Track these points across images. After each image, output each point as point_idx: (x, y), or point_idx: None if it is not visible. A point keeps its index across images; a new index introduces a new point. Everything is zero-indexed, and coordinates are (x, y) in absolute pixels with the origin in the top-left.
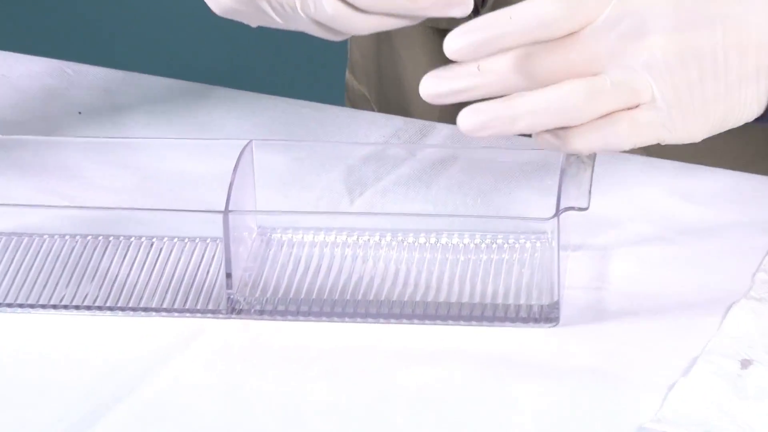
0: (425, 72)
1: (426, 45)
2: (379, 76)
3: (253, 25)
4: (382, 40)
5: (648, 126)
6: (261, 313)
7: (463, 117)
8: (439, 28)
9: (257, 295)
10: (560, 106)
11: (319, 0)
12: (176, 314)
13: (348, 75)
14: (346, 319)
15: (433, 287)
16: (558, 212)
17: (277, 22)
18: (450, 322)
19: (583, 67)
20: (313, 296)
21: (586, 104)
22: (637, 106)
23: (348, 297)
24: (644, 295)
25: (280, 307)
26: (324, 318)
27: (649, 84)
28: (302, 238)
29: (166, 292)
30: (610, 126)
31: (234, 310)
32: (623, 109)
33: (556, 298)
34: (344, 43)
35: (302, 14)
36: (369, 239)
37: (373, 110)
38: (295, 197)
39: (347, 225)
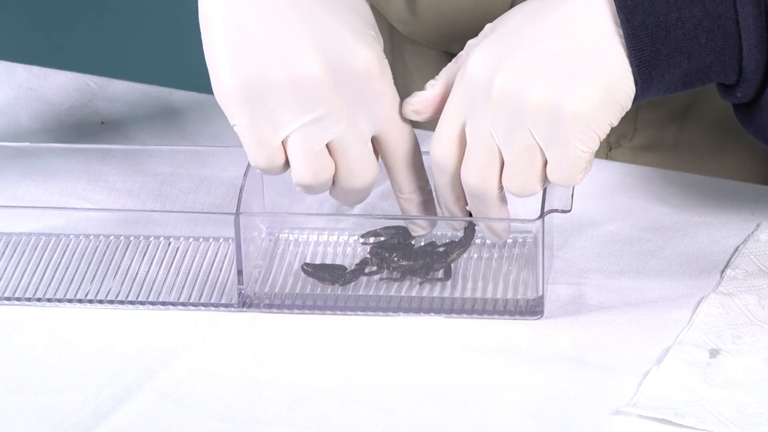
0: None
1: (437, 65)
2: None
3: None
4: (396, 59)
5: None
6: (270, 307)
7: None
8: (450, 52)
9: (266, 290)
10: None
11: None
12: (192, 308)
13: None
14: (348, 312)
15: (427, 282)
16: (543, 214)
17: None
18: (443, 314)
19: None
20: (318, 291)
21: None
22: None
23: (350, 292)
24: (622, 291)
25: (287, 301)
26: (328, 311)
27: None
28: (307, 237)
29: (183, 288)
30: None
31: (245, 303)
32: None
33: (540, 293)
34: None
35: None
36: (369, 239)
37: None
38: (300, 200)
39: (349, 226)
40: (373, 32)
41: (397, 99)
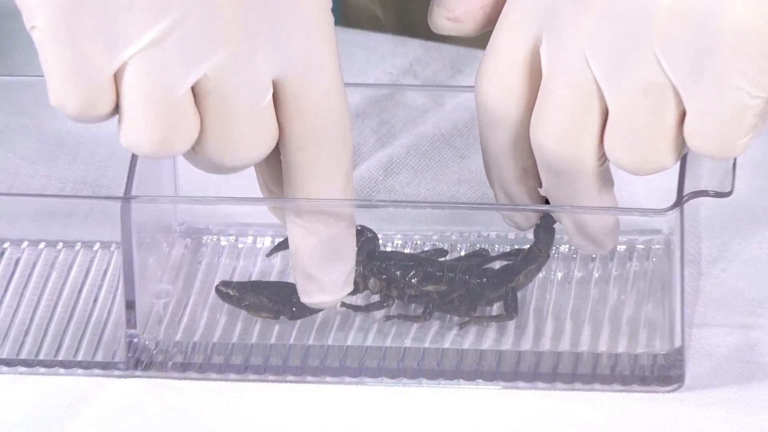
0: None
1: None
2: None
3: None
4: None
5: None
6: (183, 368)
7: None
8: None
9: (177, 337)
10: None
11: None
12: (42, 371)
13: None
14: (327, 378)
15: (472, 325)
16: (681, 200)
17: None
18: (501, 383)
19: None
20: (272, 339)
21: None
22: None
23: (329, 341)
24: None
25: (216, 358)
26: (290, 376)
27: None
28: (251, 241)
29: (25, 336)
30: None
31: (139, 362)
32: None
33: (678, 344)
34: None
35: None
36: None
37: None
38: (238, 176)
39: None
40: None
41: (332, 29)
